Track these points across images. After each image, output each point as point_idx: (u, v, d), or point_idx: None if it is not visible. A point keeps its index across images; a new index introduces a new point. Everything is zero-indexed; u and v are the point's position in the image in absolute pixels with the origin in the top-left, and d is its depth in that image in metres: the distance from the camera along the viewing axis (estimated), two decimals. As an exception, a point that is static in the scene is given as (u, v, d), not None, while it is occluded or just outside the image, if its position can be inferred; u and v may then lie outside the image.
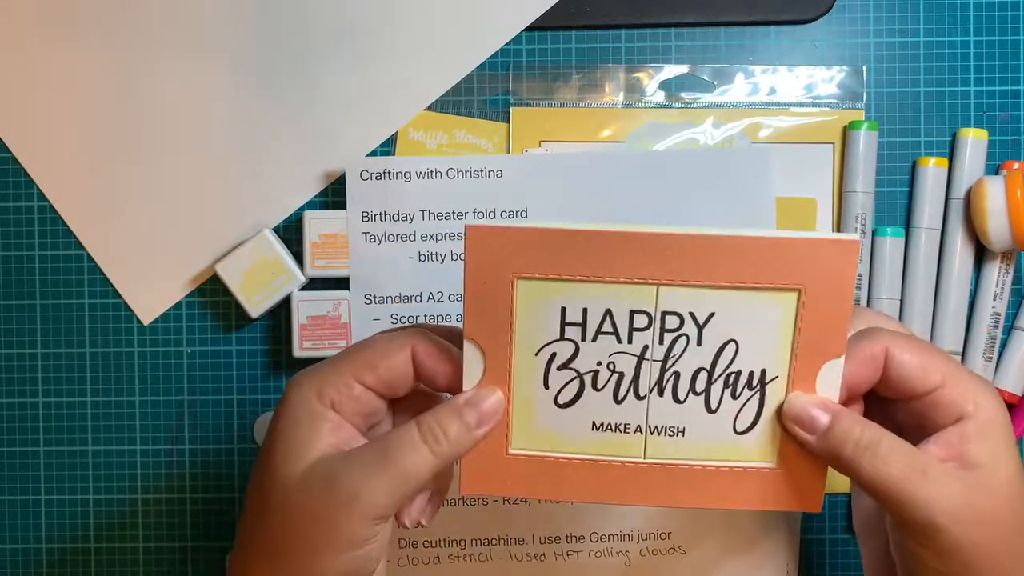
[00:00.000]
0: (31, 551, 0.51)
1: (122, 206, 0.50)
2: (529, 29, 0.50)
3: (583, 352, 0.33)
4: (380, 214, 0.47)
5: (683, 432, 0.33)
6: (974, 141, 0.49)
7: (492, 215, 0.47)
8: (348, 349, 0.35)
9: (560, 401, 0.33)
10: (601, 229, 0.31)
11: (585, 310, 0.32)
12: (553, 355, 0.33)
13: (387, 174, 0.47)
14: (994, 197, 0.46)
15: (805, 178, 0.50)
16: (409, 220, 0.47)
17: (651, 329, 0.32)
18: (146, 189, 0.50)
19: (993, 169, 0.50)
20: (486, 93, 0.50)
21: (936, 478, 0.31)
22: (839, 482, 0.50)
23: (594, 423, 0.33)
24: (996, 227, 0.46)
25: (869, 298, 0.49)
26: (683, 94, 0.50)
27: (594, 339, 0.33)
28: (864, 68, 0.50)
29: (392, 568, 0.47)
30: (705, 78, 0.50)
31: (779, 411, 0.32)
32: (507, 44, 0.50)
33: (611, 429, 0.33)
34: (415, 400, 0.36)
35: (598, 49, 0.50)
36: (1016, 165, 0.49)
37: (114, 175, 0.50)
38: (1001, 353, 0.49)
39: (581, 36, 0.50)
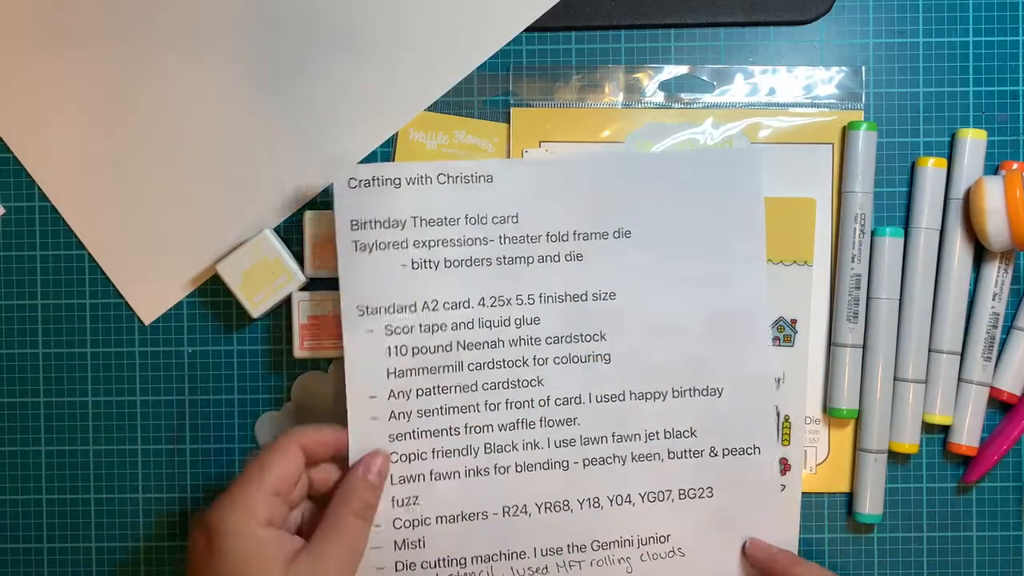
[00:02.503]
0: (31, 551, 0.51)
1: (123, 206, 0.50)
2: (529, 29, 0.50)
3: None
4: (370, 222, 0.45)
5: None
6: (973, 141, 0.49)
7: (484, 221, 0.46)
8: (250, 469, 0.41)
9: None
10: None
11: None
12: None
13: (376, 181, 0.45)
14: (993, 197, 0.46)
15: (804, 178, 0.50)
16: (400, 227, 0.45)
17: None
18: (147, 189, 0.50)
19: (992, 169, 0.50)
20: (486, 93, 0.50)
21: None
22: (839, 482, 0.50)
23: None
24: (995, 227, 0.46)
25: (868, 298, 0.49)
26: (683, 95, 0.50)
27: None
28: (863, 68, 0.50)
29: None
30: (705, 79, 0.50)
31: None
32: (507, 44, 0.50)
33: None
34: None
35: (598, 49, 0.50)
36: (1015, 165, 0.49)
37: (115, 175, 0.50)
38: (1000, 353, 0.49)
39: (581, 36, 0.50)
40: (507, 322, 0.46)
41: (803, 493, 0.49)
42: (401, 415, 0.45)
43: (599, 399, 0.47)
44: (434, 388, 0.45)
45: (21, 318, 0.51)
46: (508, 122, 0.50)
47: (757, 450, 0.47)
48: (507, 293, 0.46)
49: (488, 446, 0.46)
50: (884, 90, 0.50)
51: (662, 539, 0.47)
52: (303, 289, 0.48)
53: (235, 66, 0.50)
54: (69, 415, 0.51)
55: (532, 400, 0.46)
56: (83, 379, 0.51)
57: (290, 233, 0.50)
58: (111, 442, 0.51)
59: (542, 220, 0.46)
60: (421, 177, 0.46)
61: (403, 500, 0.45)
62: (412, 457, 0.45)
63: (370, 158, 0.50)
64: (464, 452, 0.46)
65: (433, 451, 0.46)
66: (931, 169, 0.49)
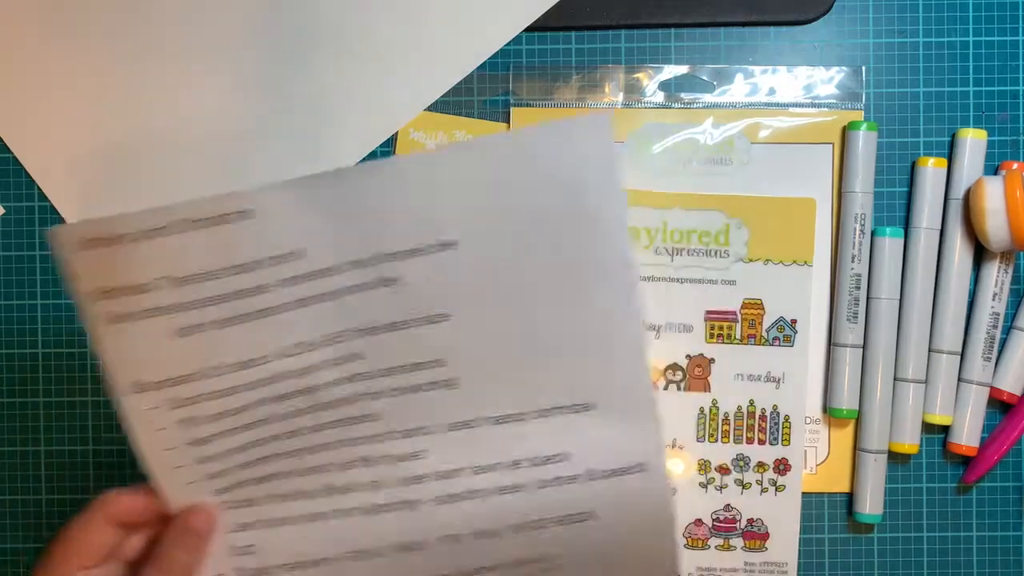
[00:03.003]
0: (32, 551, 0.51)
1: (123, 206, 0.50)
2: (529, 29, 0.50)
3: None
4: (115, 289, 0.35)
5: None
6: (973, 141, 0.49)
7: (255, 267, 0.36)
8: (56, 543, 0.37)
9: None
10: None
11: None
12: None
13: (103, 241, 0.35)
14: (993, 197, 0.46)
15: (804, 178, 0.50)
16: (149, 292, 0.35)
17: None
18: (147, 189, 0.50)
19: (992, 169, 0.50)
20: (486, 93, 0.50)
21: None
22: (839, 482, 0.50)
23: None
24: (995, 227, 0.46)
25: (868, 298, 0.49)
26: (683, 94, 0.50)
27: None
28: (863, 68, 0.50)
29: None
30: (705, 78, 0.50)
31: None
32: (507, 44, 0.50)
33: None
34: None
35: (598, 49, 0.50)
36: (1015, 165, 0.49)
37: (115, 175, 0.50)
38: (1000, 353, 0.49)
39: (581, 36, 0.50)
40: (319, 366, 0.38)
41: (803, 493, 0.50)
42: (220, 474, 0.39)
43: (448, 428, 0.40)
44: (249, 443, 0.39)
45: (21, 318, 0.51)
46: (508, 122, 0.50)
47: (641, 467, 0.40)
48: (309, 337, 0.37)
49: (328, 488, 0.40)
50: (884, 90, 0.50)
51: (536, 561, 0.41)
52: (303, 289, 0.48)
53: (235, 66, 0.50)
54: (69, 415, 0.51)
55: (370, 436, 0.39)
56: (83, 379, 0.51)
57: (290, 233, 0.50)
58: (111, 442, 0.51)
59: (340, 247, 0.36)
60: (155, 229, 0.35)
61: (241, 549, 0.40)
62: (244, 503, 0.40)
63: (370, 158, 0.50)
64: (299, 496, 0.40)
65: (268, 496, 0.40)
66: (931, 169, 0.49)
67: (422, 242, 0.36)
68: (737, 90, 0.50)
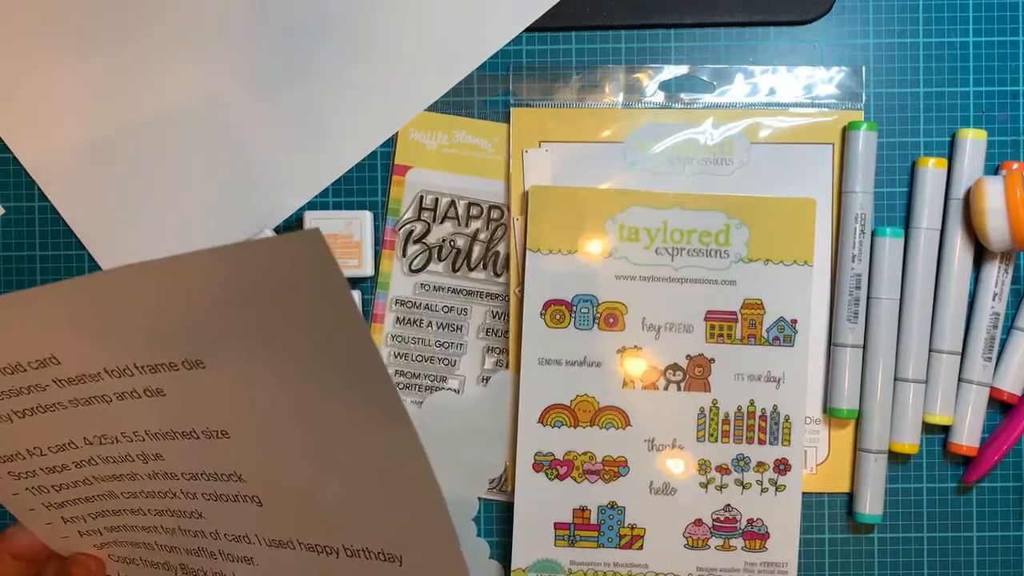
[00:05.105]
0: None
1: (122, 206, 0.50)
2: (529, 29, 0.50)
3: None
4: None
5: None
6: (973, 141, 0.49)
7: (22, 368, 0.35)
8: None
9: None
10: None
11: None
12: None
13: None
14: (993, 197, 0.46)
15: (804, 178, 0.50)
16: None
17: None
18: (147, 189, 0.50)
19: (992, 169, 0.50)
20: (486, 93, 0.50)
21: None
22: (839, 482, 0.50)
23: None
24: (995, 227, 0.46)
25: (869, 298, 0.49)
26: (683, 95, 0.50)
27: None
28: (863, 68, 0.50)
29: None
30: (705, 79, 0.50)
31: None
32: (507, 44, 0.50)
33: None
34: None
35: (598, 49, 0.50)
36: (1015, 165, 0.49)
37: (115, 175, 0.50)
38: (1000, 353, 0.49)
39: (581, 36, 0.50)
40: (132, 457, 0.37)
41: (803, 493, 0.50)
42: (90, 532, 0.40)
43: (269, 543, 0.37)
44: (101, 512, 0.39)
45: (21, 318, 0.51)
46: (508, 122, 0.50)
47: None
48: (107, 430, 0.36)
49: (183, 566, 0.40)
50: (884, 90, 0.50)
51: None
52: (303, 289, 0.48)
53: (235, 66, 0.50)
54: (69, 415, 0.51)
55: (202, 531, 0.38)
56: (83, 379, 0.51)
57: (290, 233, 0.50)
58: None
59: (92, 356, 0.34)
60: None
61: None
62: (124, 560, 0.41)
63: (370, 158, 0.50)
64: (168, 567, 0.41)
65: (141, 559, 0.41)
66: (931, 169, 0.49)
67: (172, 357, 0.33)
68: (737, 90, 0.50)
